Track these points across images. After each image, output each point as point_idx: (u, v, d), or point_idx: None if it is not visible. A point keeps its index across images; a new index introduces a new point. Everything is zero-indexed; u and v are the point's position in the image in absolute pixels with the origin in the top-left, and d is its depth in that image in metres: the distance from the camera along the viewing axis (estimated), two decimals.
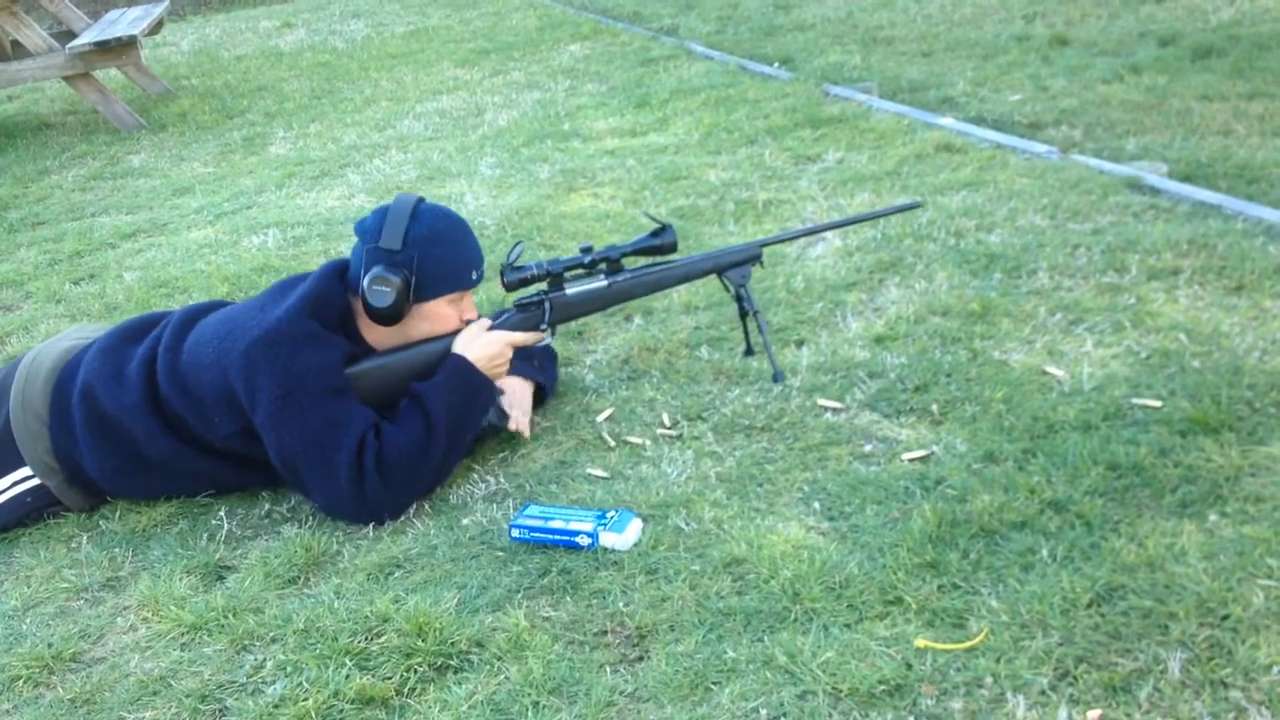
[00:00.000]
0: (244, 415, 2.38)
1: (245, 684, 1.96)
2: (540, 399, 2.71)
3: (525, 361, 2.68)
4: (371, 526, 2.36)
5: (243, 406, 2.37)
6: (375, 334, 2.51)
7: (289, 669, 1.97)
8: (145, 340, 2.56)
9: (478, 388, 2.46)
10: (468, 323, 2.55)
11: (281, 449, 2.34)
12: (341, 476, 2.31)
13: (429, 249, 2.44)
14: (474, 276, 2.52)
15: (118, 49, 6.60)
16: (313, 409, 2.32)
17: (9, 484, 2.54)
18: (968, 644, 1.79)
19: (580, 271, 2.61)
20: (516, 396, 2.62)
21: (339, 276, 2.49)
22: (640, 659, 1.89)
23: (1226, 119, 4.37)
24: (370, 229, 2.47)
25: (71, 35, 7.14)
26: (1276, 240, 3.04)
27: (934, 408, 2.48)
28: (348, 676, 1.92)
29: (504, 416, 2.52)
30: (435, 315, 2.50)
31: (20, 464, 2.53)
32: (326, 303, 2.43)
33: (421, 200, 2.49)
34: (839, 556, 2.03)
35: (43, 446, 2.52)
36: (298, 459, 2.34)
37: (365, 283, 2.40)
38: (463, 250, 2.50)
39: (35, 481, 2.53)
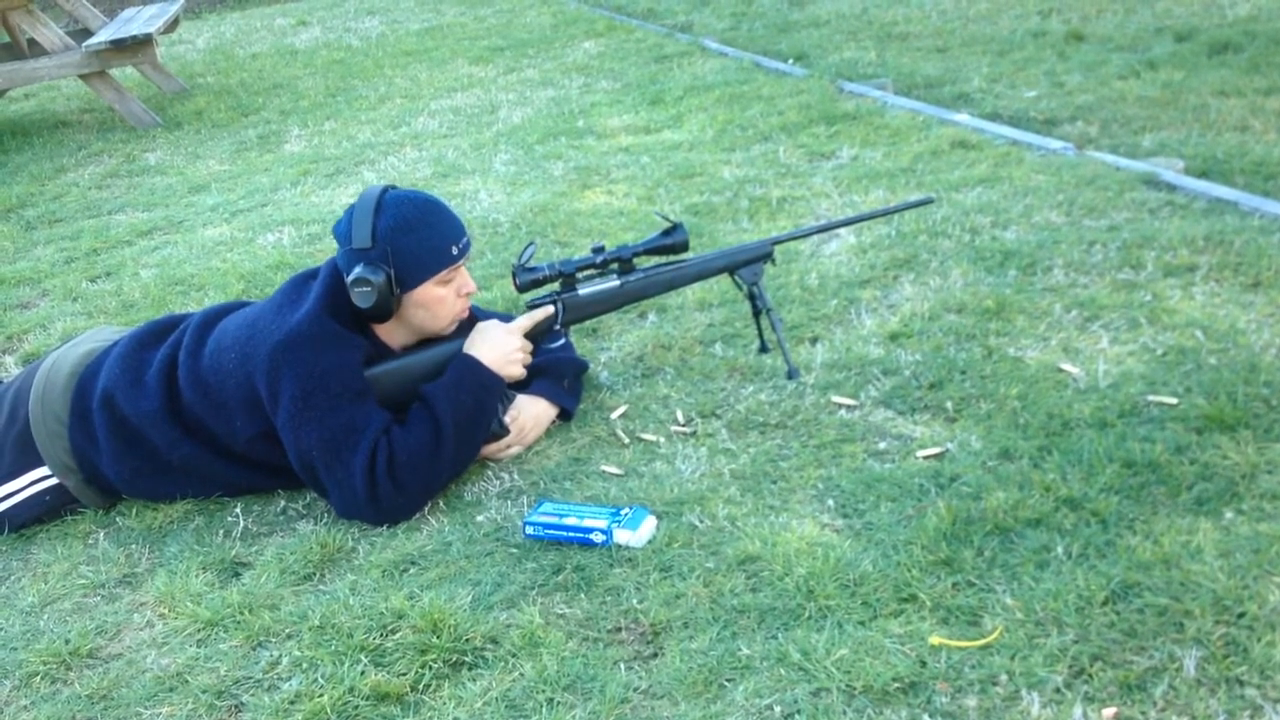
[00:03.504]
0: (266, 418, 2.39)
1: (261, 680, 1.97)
2: (565, 417, 2.70)
3: (556, 382, 2.67)
4: (386, 524, 2.36)
5: (265, 409, 2.37)
6: (384, 331, 2.51)
7: (305, 665, 1.98)
8: (164, 345, 2.57)
9: (487, 386, 2.45)
10: (468, 296, 2.53)
11: (300, 450, 2.35)
12: (357, 479, 2.32)
13: (400, 238, 2.39)
14: (455, 252, 2.46)
15: (133, 47, 6.63)
16: (332, 411, 2.33)
17: (28, 482, 2.55)
18: (982, 641, 1.79)
19: (592, 272, 2.61)
20: (538, 418, 2.60)
21: None
22: (654, 656, 1.89)
23: (1243, 115, 4.35)
24: (343, 232, 2.44)
25: (87, 34, 7.17)
26: None
27: (949, 405, 2.48)
28: (363, 673, 1.93)
29: (503, 426, 2.51)
30: (429, 299, 2.47)
31: (39, 463, 2.54)
32: (342, 300, 2.43)
33: (387, 189, 2.45)
34: (853, 554, 2.03)
35: (61, 447, 2.54)
36: (315, 460, 2.35)
37: (349, 285, 2.39)
38: (435, 230, 2.44)
39: (54, 481, 2.55)
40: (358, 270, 2.37)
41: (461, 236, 2.49)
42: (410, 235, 2.41)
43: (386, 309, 2.41)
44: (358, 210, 2.42)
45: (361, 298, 2.38)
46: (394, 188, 2.48)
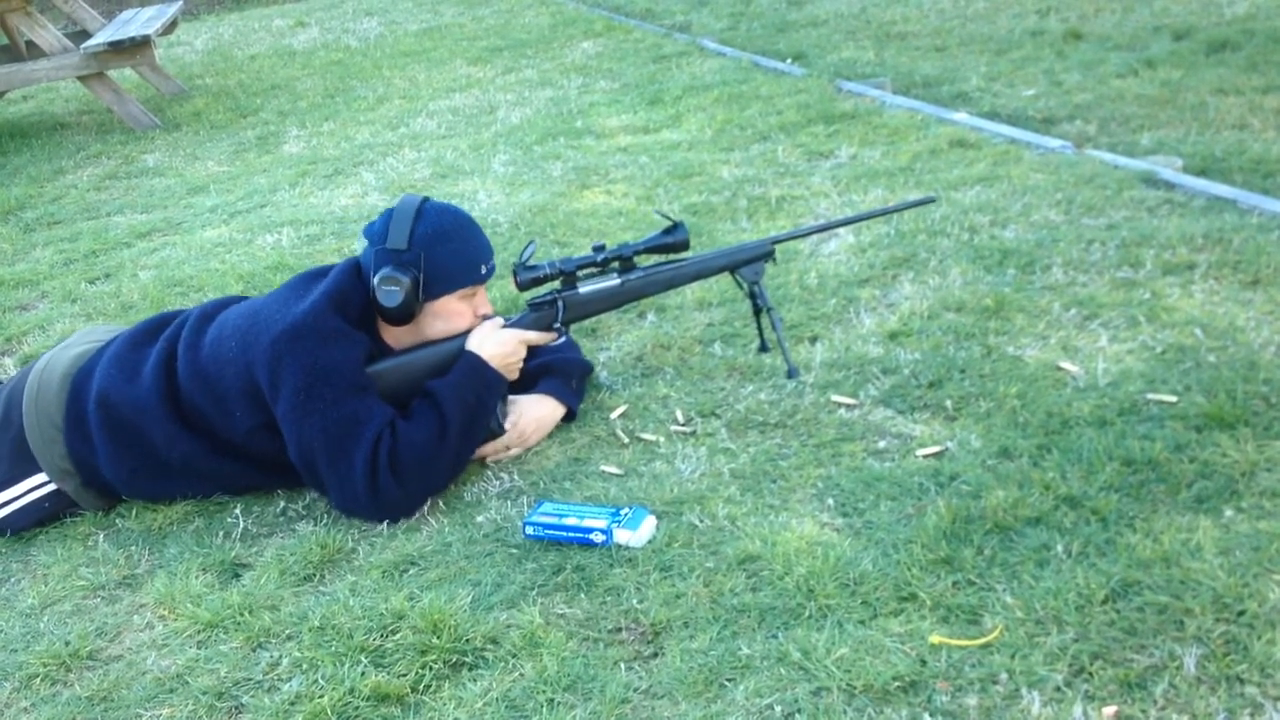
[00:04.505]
0: (266, 409, 2.39)
1: (261, 681, 1.97)
2: (568, 418, 2.70)
3: (564, 382, 2.67)
4: (386, 524, 2.36)
5: (265, 400, 2.38)
6: (392, 334, 2.52)
7: (305, 666, 1.98)
8: (159, 340, 2.56)
9: (490, 385, 2.46)
10: (484, 318, 2.55)
11: (301, 443, 2.35)
12: (358, 473, 2.32)
13: (435, 246, 2.44)
14: (483, 271, 2.52)
15: (132, 49, 6.62)
16: (335, 404, 2.33)
17: (26, 489, 2.54)
18: (982, 640, 1.79)
19: (593, 270, 2.62)
20: (541, 421, 2.60)
21: (358, 274, 2.49)
22: (654, 656, 1.89)
23: (1241, 113, 4.35)
24: (377, 231, 2.48)
25: (86, 35, 7.16)
26: None
27: (948, 404, 2.48)
28: (363, 674, 1.92)
29: (500, 426, 2.51)
30: (448, 312, 2.50)
31: (36, 469, 2.54)
32: (349, 299, 2.44)
33: (426, 199, 2.50)
34: (853, 553, 2.03)
35: (58, 452, 2.53)
36: (317, 454, 2.35)
37: (375, 283, 2.41)
38: (470, 245, 2.50)
39: (52, 487, 2.54)
40: (387, 269, 2.40)
41: (490, 258, 2.54)
42: (446, 245, 2.45)
43: (409, 311, 2.43)
44: (397, 213, 2.45)
45: (387, 296, 2.40)
46: (431, 199, 2.51)
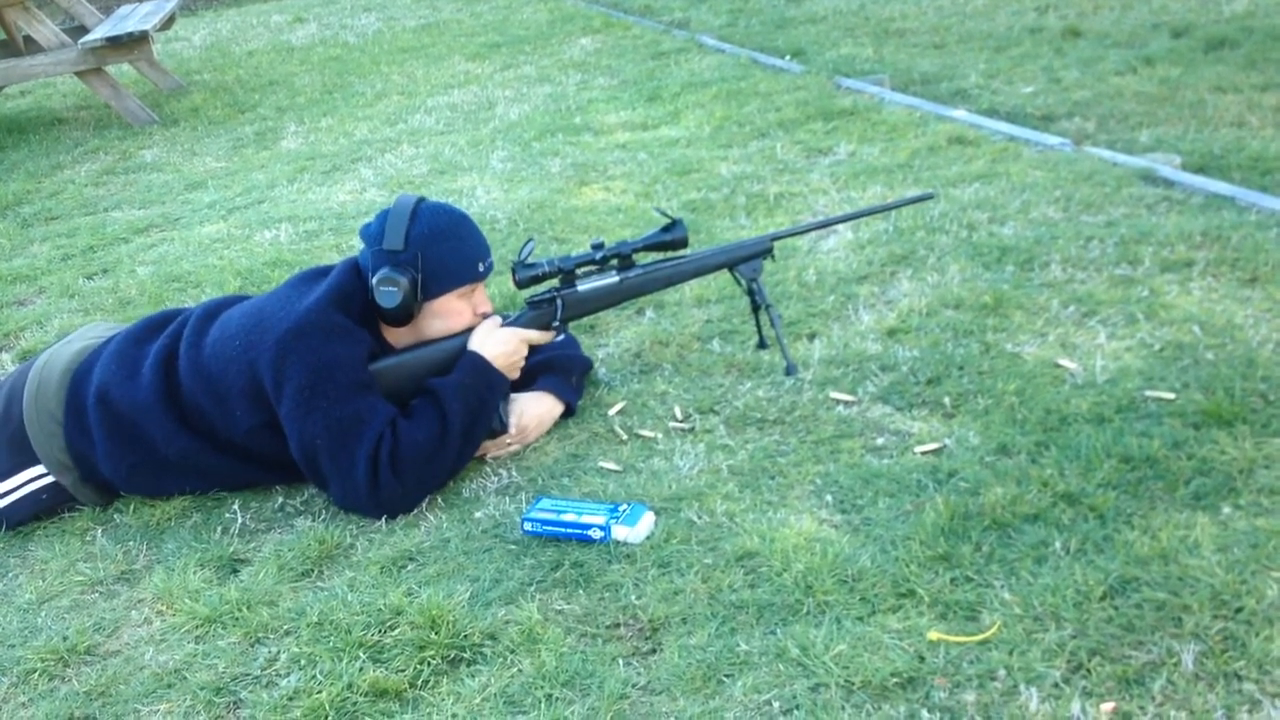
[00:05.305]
0: (267, 408, 2.39)
1: (259, 677, 1.97)
2: (567, 414, 2.69)
3: (564, 378, 2.67)
4: (384, 520, 2.36)
5: (267, 399, 2.38)
6: (393, 334, 2.52)
7: (303, 662, 1.98)
8: (160, 338, 2.56)
9: (493, 384, 2.46)
10: (484, 316, 2.55)
11: (304, 440, 2.35)
12: (360, 470, 2.32)
13: (432, 246, 2.44)
14: (481, 269, 2.52)
15: (130, 44, 6.61)
16: (339, 401, 2.33)
17: (24, 480, 2.55)
18: (980, 636, 1.79)
19: (592, 268, 2.61)
20: (541, 418, 2.60)
21: (358, 273, 2.49)
22: (652, 652, 1.89)
23: (1240, 111, 4.35)
24: (374, 232, 2.48)
25: (84, 30, 7.15)
26: None
27: (946, 400, 2.48)
28: (361, 669, 1.92)
29: (503, 424, 2.51)
30: (447, 311, 2.50)
31: (35, 461, 2.54)
32: (351, 297, 2.44)
33: (422, 199, 2.50)
34: (851, 549, 2.03)
35: (57, 445, 2.53)
36: (320, 451, 2.35)
37: (373, 284, 2.41)
38: (466, 244, 2.50)
39: (50, 479, 2.54)
40: (385, 270, 2.41)
41: (488, 256, 2.54)
42: (442, 245, 2.45)
43: (408, 312, 2.44)
44: (393, 214, 2.46)
45: (386, 297, 2.40)
46: (426, 199, 2.51)
